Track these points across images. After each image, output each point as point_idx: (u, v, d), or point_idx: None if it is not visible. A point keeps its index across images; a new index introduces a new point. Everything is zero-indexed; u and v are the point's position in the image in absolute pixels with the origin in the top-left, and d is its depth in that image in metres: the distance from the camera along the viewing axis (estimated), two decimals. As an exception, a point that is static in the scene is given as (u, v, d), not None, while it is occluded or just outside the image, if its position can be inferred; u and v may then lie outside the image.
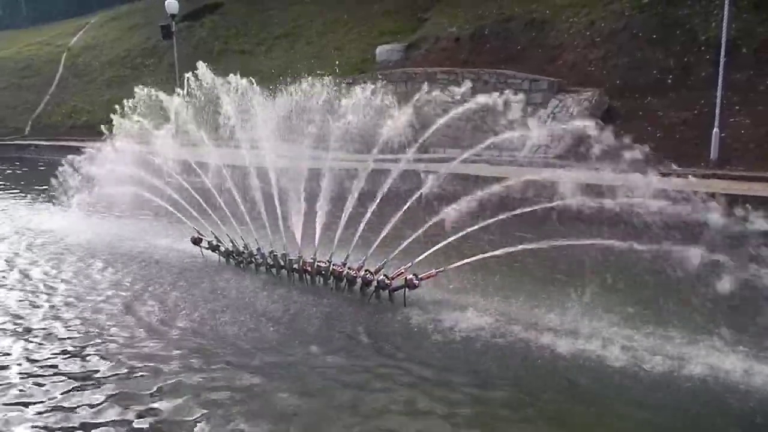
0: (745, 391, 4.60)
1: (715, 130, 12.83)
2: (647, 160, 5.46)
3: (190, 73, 9.38)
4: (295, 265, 7.46)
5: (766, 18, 14.55)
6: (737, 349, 5.19)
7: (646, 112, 14.70)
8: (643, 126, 14.01)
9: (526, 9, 19.51)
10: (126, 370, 5.25)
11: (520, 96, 6.55)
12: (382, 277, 6.66)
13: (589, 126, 5.98)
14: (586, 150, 5.95)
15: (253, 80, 8.89)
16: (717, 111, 12.79)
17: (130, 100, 10.24)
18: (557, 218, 6.07)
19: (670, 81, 15.12)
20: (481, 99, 6.62)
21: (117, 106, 10.36)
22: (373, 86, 7.83)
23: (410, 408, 4.62)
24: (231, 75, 8.85)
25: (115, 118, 10.20)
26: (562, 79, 16.09)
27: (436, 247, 6.62)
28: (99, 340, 5.91)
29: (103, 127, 10.53)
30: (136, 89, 10.33)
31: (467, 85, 6.93)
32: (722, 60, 12.72)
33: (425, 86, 7.24)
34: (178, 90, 9.61)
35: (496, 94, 6.54)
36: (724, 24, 12.77)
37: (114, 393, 4.86)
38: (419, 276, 6.46)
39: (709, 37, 14.73)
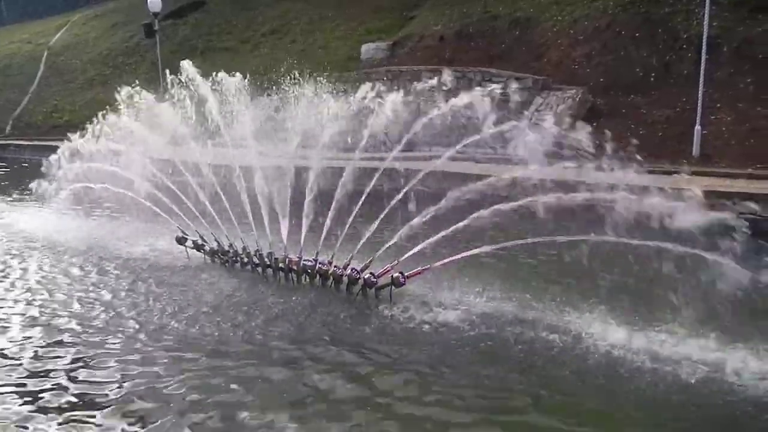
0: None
1: (697, 127, 12.99)
2: (630, 158, 5.52)
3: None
4: (281, 264, 7.43)
5: (746, 16, 14.75)
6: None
7: (630, 109, 14.84)
8: (627, 123, 14.15)
9: (510, 7, 19.61)
10: (117, 368, 5.20)
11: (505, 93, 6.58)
12: (368, 275, 6.66)
13: (574, 124, 6.01)
14: (570, 148, 5.99)
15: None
16: (699, 108, 12.95)
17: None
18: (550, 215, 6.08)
19: (652, 79, 15.28)
20: (466, 98, 6.64)
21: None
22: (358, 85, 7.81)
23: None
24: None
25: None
26: (546, 77, 16.18)
27: (421, 245, 6.62)
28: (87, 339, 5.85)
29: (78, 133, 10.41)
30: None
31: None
32: (704, 58, 12.89)
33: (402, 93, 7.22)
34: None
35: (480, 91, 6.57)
36: (706, 22, 12.93)
37: (104, 392, 4.82)
38: (405, 274, 6.47)
39: (691, 35, 14.90)
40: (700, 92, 12.90)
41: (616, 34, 16.43)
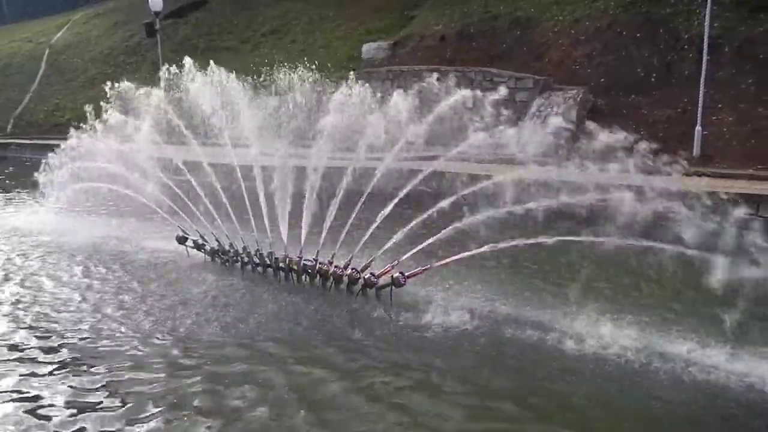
0: None
1: (698, 127, 12.95)
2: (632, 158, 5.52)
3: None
4: (282, 264, 7.42)
5: (747, 16, 14.72)
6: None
7: (631, 109, 14.81)
8: (628, 123, 14.08)
9: (511, 7, 19.58)
10: (114, 367, 5.20)
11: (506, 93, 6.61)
12: (368, 275, 6.66)
13: (575, 124, 6.02)
14: (571, 148, 6.00)
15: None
16: (700, 108, 12.91)
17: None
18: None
19: (654, 79, 15.25)
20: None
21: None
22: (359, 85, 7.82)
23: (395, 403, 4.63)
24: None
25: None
26: (547, 77, 16.16)
27: (422, 245, 6.62)
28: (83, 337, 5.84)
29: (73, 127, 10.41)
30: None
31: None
32: (705, 58, 12.85)
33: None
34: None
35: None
36: (707, 22, 12.90)
37: (99, 394, 4.82)
38: (406, 274, 6.46)
39: (692, 35, 14.87)
40: (701, 92, 12.86)
41: (617, 34, 16.40)
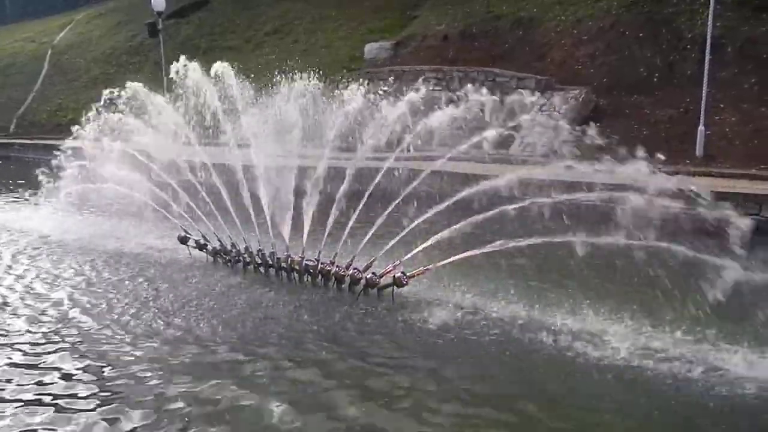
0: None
1: (701, 127, 12.93)
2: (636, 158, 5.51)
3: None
4: (283, 264, 7.43)
5: (750, 16, 14.70)
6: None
7: (633, 109, 14.80)
8: (630, 123, 14.11)
9: (513, 7, 19.58)
10: (114, 369, 5.20)
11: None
12: (370, 275, 6.66)
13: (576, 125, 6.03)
14: (574, 147, 5.99)
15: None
16: (702, 108, 12.89)
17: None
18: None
19: (656, 79, 15.24)
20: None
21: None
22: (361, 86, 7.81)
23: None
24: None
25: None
26: (549, 77, 16.15)
27: (424, 245, 6.62)
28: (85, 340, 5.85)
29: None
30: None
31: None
32: (707, 58, 12.83)
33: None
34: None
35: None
36: (709, 22, 12.87)
37: (99, 393, 4.82)
38: (407, 274, 6.46)
39: (695, 35, 14.85)
40: (703, 92, 12.83)
41: (620, 34, 16.39)
